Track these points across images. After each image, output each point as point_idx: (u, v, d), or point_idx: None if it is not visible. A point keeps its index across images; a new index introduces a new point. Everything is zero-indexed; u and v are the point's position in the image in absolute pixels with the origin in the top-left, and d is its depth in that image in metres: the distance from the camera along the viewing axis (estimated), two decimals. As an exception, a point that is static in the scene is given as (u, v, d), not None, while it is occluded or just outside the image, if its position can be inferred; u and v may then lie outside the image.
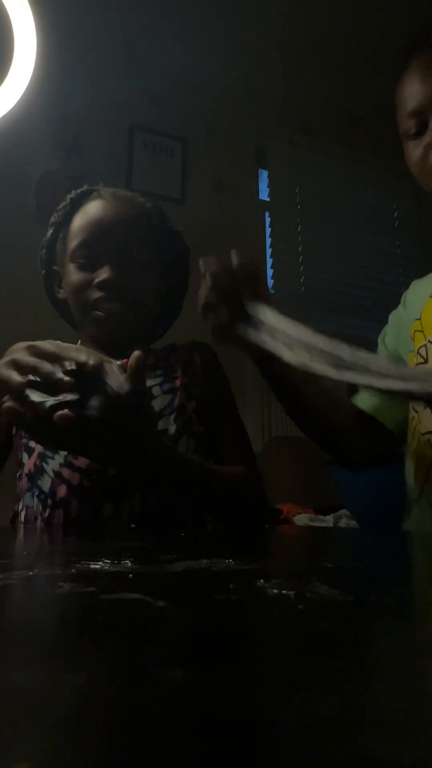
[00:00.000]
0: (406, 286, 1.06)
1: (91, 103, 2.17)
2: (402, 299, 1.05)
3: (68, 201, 0.96)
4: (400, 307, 1.04)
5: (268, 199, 2.56)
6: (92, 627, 0.22)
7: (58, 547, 0.51)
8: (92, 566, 0.34)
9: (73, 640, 0.21)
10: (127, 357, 0.96)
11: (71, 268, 0.91)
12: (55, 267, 0.98)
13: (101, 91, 2.18)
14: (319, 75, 2.63)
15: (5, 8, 1.17)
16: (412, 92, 0.85)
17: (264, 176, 2.61)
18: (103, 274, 0.88)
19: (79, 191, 0.97)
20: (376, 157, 2.69)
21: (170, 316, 1.04)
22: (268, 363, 0.80)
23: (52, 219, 0.97)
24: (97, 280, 0.88)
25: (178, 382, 0.90)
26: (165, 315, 1.03)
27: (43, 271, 1.00)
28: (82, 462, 0.81)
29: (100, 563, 0.35)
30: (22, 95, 1.24)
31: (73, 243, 0.91)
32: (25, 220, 1.94)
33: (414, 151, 0.86)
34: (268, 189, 2.57)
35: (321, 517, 1.63)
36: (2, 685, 0.15)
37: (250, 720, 0.13)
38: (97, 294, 0.88)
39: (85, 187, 0.98)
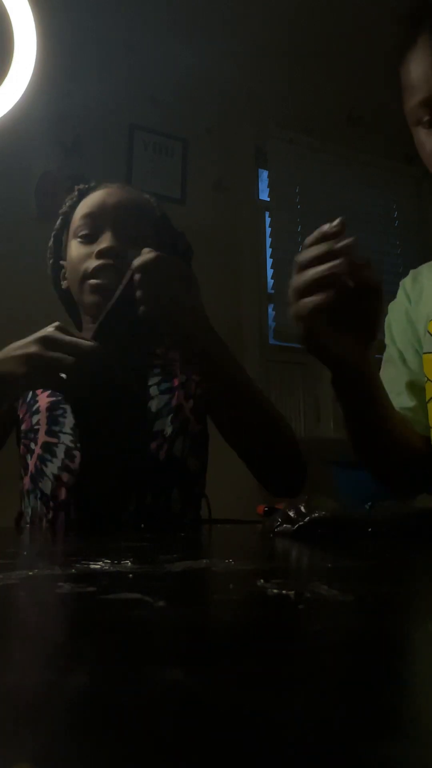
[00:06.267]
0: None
1: (91, 103, 2.17)
2: (403, 290, 0.98)
3: (76, 192, 0.97)
4: (403, 299, 0.98)
5: (268, 199, 2.56)
6: (92, 627, 0.22)
7: (59, 547, 0.51)
8: (92, 566, 0.34)
9: (73, 640, 0.21)
10: None
11: (73, 244, 0.92)
12: (62, 261, 0.98)
13: (101, 91, 2.18)
14: (319, 75, 2.62)
15: (5, 8, 1.17)
16: (422, 77, 0.76)
17: (264, 176, 2.61)
18: (103, 242, 0.88)
19: (87, 186, 0.98)
20: (376, 157, 2.69)
21: None
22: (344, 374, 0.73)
23: (61, 209, 0.98)
24: (97, 249, 0.88)
25: (176, 381, 0.90)
26: None
27: (51, 261, 1.00)
28: (78, 465, 0.82)
29: (100, 563, 0.35)
30: (22, 95, 1.24)
31: (75, 223, 0.92)
32: (25, 219, 1.94)
33: (427, 140, 0.79)
34: (268, 189, 2.56)
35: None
36: (2, 685, 0.15)
37: (250, 720, 0.13)
38: (95, 263, 0.87)
39: (93, 183, 0.99)
